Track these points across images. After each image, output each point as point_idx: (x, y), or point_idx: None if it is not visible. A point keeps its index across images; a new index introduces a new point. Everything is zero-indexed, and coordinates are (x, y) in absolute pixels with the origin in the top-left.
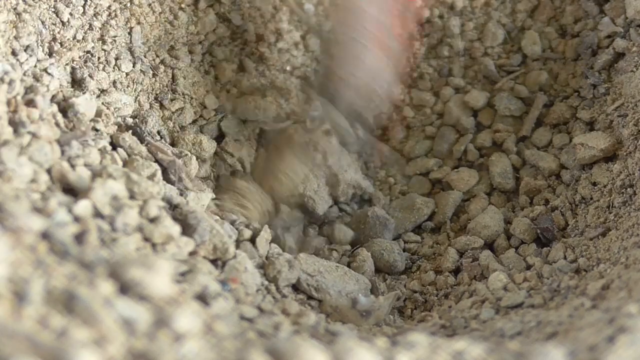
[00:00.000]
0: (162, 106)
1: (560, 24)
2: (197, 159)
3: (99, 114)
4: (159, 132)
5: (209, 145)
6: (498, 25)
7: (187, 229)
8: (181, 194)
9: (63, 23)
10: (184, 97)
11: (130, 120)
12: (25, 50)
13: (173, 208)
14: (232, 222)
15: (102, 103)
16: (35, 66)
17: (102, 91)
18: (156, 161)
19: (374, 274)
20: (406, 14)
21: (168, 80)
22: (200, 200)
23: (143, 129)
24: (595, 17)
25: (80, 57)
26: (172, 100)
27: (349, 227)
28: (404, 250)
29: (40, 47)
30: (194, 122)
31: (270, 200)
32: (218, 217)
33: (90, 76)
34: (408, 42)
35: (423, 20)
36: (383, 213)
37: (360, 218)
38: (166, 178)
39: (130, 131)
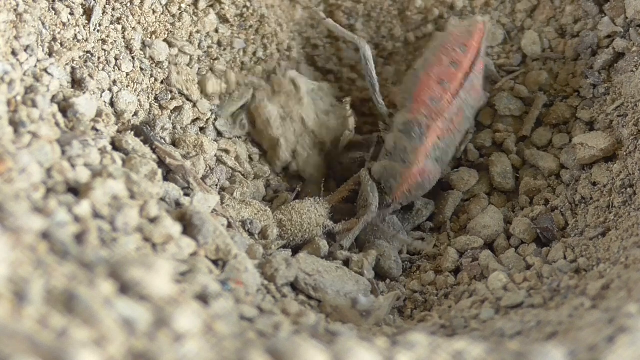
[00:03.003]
0: (161, 106)
1: (560, 24)
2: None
3: (99, 114)
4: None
5: (210, 147)
6: (498, 25)
7: (192, 230)
8: (187, 195)
9: (63, 23)
10: (182, 98)
11: (135, 120)
12: (25, 50)
13: (177, 208)
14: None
15: (109, 105)
16: (35, 66)
17: (109, 91)
18: (163, 164)
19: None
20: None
21: (168, 80)
22: (207, 202)
23: (154, 133)
24: (595, 17)
25: (80, 57)
26: (171, 100)
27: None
28: (407, 251)
29: (40, 47)
30: (193, 122)
31: (275, 230)
32: (225, 220)
33: (91, 76)
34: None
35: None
36: (399, 223)
37: (375, 220)
38: (171, 179)
39: (133, 132)
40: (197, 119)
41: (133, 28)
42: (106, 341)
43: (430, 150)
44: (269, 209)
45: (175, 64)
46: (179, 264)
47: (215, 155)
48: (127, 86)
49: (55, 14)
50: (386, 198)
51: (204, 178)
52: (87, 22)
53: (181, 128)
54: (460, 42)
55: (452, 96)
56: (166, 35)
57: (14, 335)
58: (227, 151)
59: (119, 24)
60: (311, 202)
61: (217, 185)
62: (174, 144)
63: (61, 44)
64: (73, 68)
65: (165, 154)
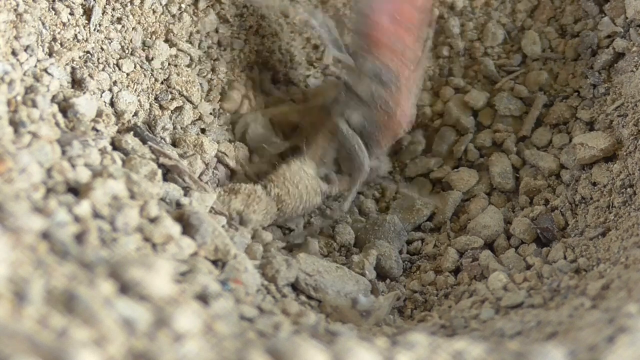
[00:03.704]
0: (161, 107)
1: (560, 24)
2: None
3: (99, 114)
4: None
5: (210, 147)
6: (498, 25)
7: (189, 230)
8: (186, 194)
9: (63, 23)
10: (182, 98)
11: (135, 120)
12: (25, 50)
13: (176, 208)
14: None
15: (109, 105)
16: (35, 66)
17: (109, 92)
18: (160, 164)
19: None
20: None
21: (168, 81)
22: (204, 201)
23: (150, 134)
24: (595, 17)
25: (80, 57)
26: (171, 100)
27: (354, 228)
28: (407, 251)
29: (40, 47)
30: (194, 122)
31: (275, 206)
32: (224, 218)
33: (91, 76)
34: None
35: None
36: (400, 223)
37: (377, 221)
38: (171, 179)
39: (132, 132)
40: (199, 119)
41: (133, 28)
42: (106, 341)
43: (410, 95)
44: (259, 187)
45: (176, 66)
46: (179, 264)
47: (216, 156)
48: (127, 86)
49: (55, 14)
50: (372, 150)
51: (200, 176)
52: (87, 22)
53: (181, 128)
54: None
55: (417, 41)
56: (166, 36)
57: (14, 335)
58: (225, 153)
59: (119, 24)
60: (298, 166)
61: (216, 184)
62: (174, 143)
63: (61, 44)
64: (73, 68)
65: (160, 153)
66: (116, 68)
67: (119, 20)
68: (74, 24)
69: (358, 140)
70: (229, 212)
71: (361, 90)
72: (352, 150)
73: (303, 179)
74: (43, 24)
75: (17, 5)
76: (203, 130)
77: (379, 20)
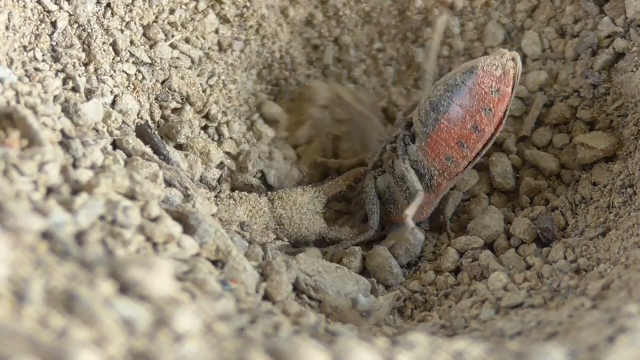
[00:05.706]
0: (161, 107)
1: (560, 24)
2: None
3: (101, 115)
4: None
5: (216, 155)
6: (498, 25)
7: (188, 230)
8: (186, 198)
9: (64, 25)
10: (181, 98)
11: (138, 122)
12: (26, 52)
13: (175, 209)
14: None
15: (110, 106)
16: (37, 68)
17: (110, 93)
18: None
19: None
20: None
21: (169, 82)
22: (205, 206)
23: (156, 137)
24: (595, 17)
25: (80, 59)
26: (171, 100)
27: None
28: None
29: (40, 49)
30: (203, 129)
31: (274, 224)
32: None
33: (92, 78)
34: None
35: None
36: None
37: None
38: (170, 182)
39: (135, 133)
40: (207, 126)
41: (133, 29)
42: (106, 341)
43: (434, 204)
44: (264, 199)
45: (176, 67)
46: (180, 264)
47: (222, 162)
48: (128, 87)
49: (55, 15)
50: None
51: (201, 180)
52: (87, 23)
53: (191, 133)
54: (487, 103)
55: (469, 163)
56: (166, 36)
57: (14, 335)
58: (228, 152)
59: (119, 24)
60: (310, 197)
61: (216, 189)
62: (181, 147)
63: (62, 46)
64: (74, 70)
65: (162, 161)
66: (117, 69)
67: (120, 21)
68: (75, 26)
69: (377, 202)
70: (229, 218)
71: (396, 165)
72: (367, 210)
73: (309, 213)
74: (43, 25)
75: (18, 6)
76: (205, 130)
77: (445, 133)
